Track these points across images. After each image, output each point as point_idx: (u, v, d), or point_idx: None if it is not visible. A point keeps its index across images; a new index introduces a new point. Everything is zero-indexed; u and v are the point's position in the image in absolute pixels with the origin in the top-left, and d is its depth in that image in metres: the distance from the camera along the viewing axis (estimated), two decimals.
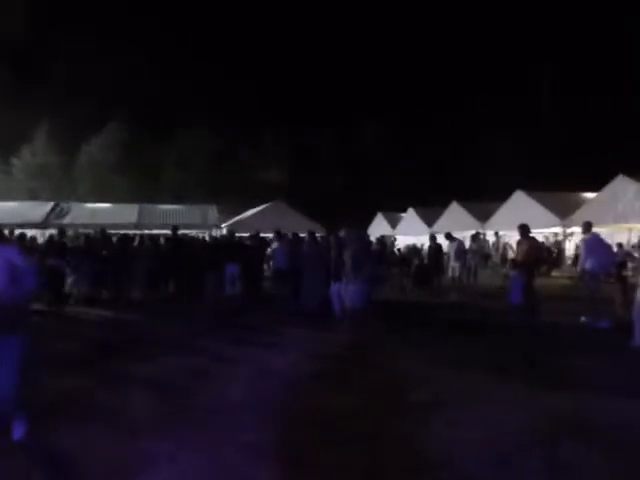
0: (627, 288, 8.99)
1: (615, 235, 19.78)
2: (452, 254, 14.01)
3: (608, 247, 9.50)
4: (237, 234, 17.91)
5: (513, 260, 9.76)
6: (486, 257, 20.51)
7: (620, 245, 16.39)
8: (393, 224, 33.53)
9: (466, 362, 6.43)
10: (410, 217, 31.08)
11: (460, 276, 13.85)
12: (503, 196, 23.79)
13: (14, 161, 38.93)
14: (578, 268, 9.59)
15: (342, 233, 8.77)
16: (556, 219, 19.46)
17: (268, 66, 53.49)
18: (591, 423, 4.33)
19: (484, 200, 26.41)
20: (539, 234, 22.35)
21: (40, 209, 21.57)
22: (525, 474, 3.49)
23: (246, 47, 62.10)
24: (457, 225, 23.57)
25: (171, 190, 40.34)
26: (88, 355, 6.95)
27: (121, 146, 41.10)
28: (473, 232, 18.39)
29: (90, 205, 25.41)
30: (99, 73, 40.59)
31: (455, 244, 14.00)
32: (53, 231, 15.22)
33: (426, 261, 15.25)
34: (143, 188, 39.04)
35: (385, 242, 17.73)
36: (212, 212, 25.27)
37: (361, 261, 6.74)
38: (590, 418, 4.44)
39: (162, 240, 14.00)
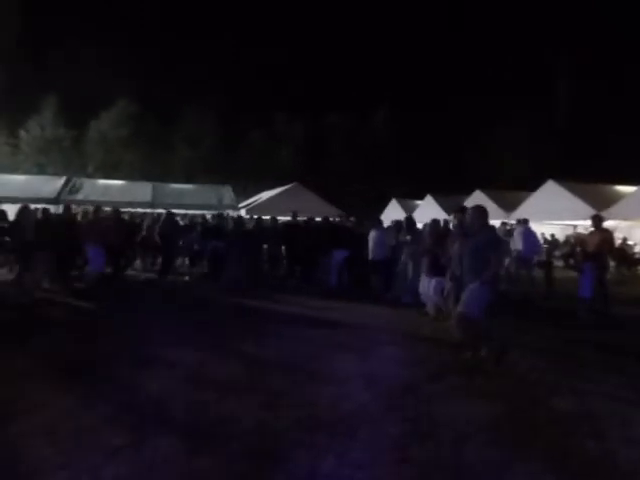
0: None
1: None
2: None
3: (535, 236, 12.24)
4: (255, 216, 17.04)
5: (584, 251, 9.04)
6: None
7: None
8: (409, 211, 32.49)
9: (581, 362, 5.77)
10: (428, 204, 30.00)
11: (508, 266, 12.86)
12: (529, 186, 22.88)
13: (22, 134, 37.56)
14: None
15: (452, 217, 7.57)
16: (592, 211, 18.54)
17: (282, 48, 52.19)
18: None
19: (509, 189, 25.41)
20: (570, 226, 21.74)
21: (52, 184, 20.55)
22: None
23: (261, 29, 60.60)
24: None
25: (181, 169, 39.30)
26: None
27: (131, 122, 39.88)
28: (498, 222, 17.51)
29: (103, 181, 24.37)
30: (110, 45, 39.32)
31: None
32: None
33: None
34: (152, 166, 37.99)
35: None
36: (227, 193, 24.36)
37: (487, 257, 5.15)
38: None
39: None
